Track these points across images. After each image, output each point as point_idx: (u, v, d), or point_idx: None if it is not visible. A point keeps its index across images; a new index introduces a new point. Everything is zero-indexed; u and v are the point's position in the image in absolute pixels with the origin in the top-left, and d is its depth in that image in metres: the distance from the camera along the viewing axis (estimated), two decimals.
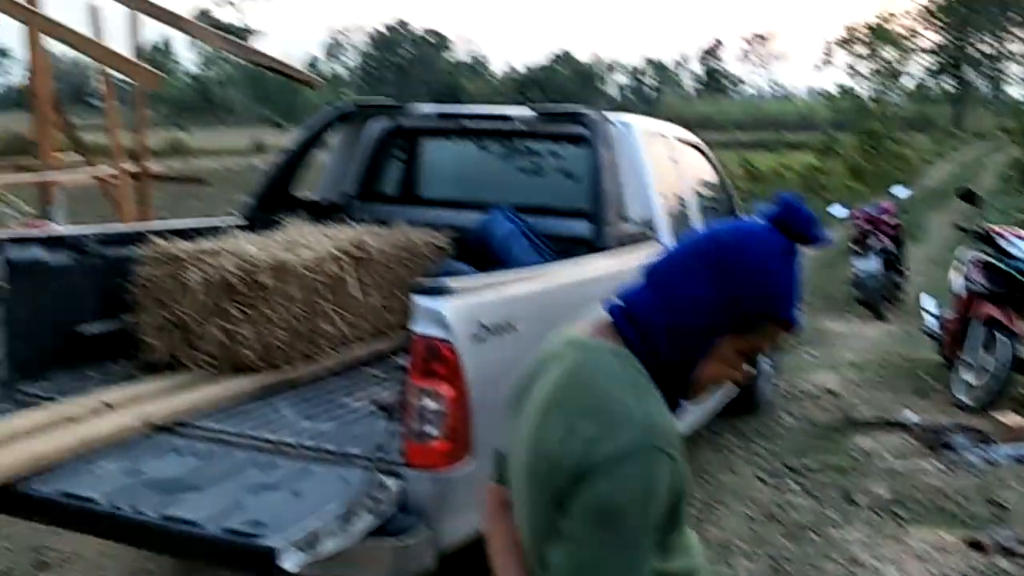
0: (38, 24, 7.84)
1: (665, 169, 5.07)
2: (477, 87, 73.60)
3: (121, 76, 8.02)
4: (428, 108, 5.28)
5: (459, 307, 2.96)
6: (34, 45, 9.17)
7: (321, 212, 5.19)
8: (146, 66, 7.14)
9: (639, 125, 4.92)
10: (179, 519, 2.64)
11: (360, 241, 4.39)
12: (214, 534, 2.57)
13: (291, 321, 3.98)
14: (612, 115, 4.79)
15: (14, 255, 3.69)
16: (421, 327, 2.91)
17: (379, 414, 3.53)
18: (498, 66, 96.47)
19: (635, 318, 1.53)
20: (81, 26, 7.52)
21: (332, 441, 3.24)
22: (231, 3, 74.79)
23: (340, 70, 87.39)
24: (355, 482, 2.88)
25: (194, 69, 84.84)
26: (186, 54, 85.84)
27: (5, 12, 7.46)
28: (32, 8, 8.12)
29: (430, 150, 5.75)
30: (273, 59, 8.54)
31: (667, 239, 4.59)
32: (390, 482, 2.88)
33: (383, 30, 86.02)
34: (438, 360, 2.91)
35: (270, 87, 75.37)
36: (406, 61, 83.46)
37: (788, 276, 1.52)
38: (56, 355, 3.86)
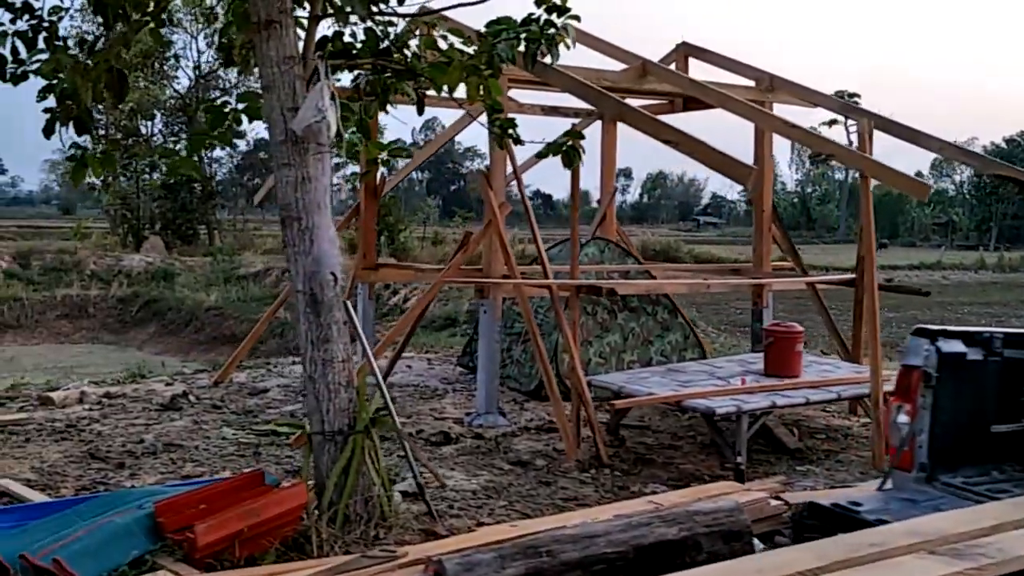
0: (774, 127, 8.24)
1: None
2: None
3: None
4: None
5: None
6: (763, 153, 9.75)
7: None
8: (916, 178, 7.28)
9: None
10: None
11: None
12: None
13: None
14: None
15: (944, 347, 3.86)
16: None
17: None
18: None
19: None
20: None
21: None
22: (837, 122, 75.44)
23: (946, 185, 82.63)
24: None
25: (791, 187, 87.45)
26: (786, 171, 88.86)
27: (740, 114, 7.87)
28: (768, 112, 8.66)
29: None
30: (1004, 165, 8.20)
31: None
32: None
33: (1002, 144, 79.46)
34: None
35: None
36: None
37: None
38: (968, 450, 3.92)
